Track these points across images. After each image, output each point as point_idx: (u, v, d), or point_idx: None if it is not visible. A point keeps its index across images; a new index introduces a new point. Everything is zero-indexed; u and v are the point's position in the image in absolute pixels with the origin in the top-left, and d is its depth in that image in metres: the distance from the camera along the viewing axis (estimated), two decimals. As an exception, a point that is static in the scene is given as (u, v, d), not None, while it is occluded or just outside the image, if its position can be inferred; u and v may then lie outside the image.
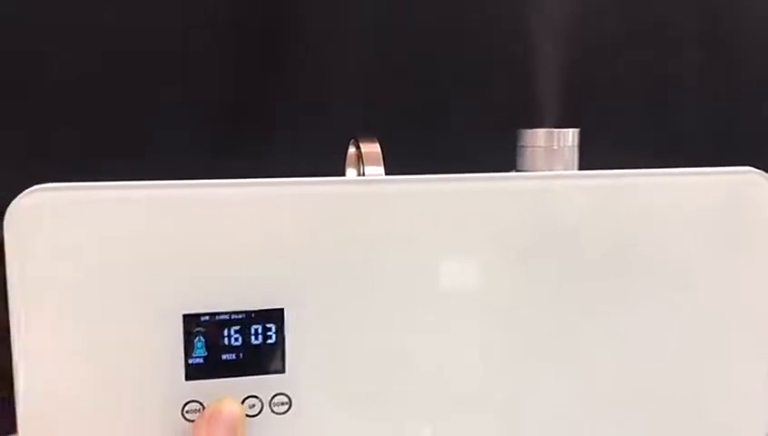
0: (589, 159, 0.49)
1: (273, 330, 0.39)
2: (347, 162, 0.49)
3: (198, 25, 0.57)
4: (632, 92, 0.62)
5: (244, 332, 0.39)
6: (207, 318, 0.38)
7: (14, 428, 0.37)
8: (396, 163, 0.44)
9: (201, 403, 0.38)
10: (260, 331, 0.39)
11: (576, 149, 0.49)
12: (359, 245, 0.40)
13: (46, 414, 0.37)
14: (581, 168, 0.49)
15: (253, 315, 0.39)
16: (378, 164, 0.45)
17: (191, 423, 0.38)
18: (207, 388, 0.38)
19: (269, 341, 0.39)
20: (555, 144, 0.49)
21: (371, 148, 0.45)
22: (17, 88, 0.54)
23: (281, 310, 0.39)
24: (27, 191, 0.36)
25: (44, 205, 0.36)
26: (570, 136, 0.49)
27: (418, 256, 0.40)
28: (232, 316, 0.38)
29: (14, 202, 0.35)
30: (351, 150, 0.49)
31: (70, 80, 0.55)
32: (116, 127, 0.56)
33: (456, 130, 0.58)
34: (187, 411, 0.38)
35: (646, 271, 0.43)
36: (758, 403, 0.44)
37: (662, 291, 0.43)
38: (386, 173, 0.45)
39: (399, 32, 0.58)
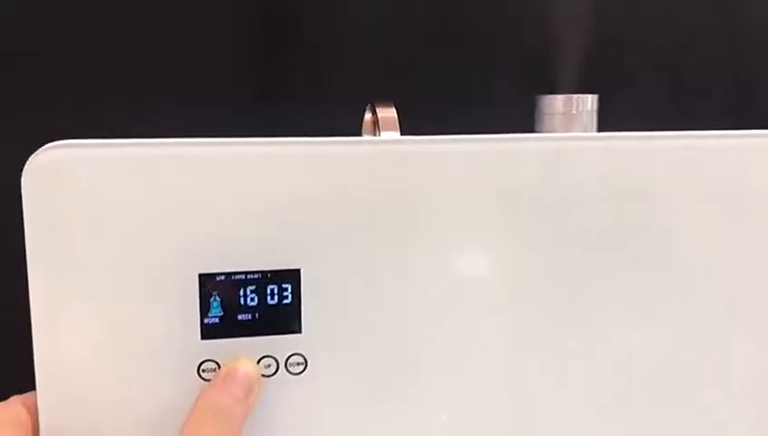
0: (609, 126, 0.48)
1: (289, 290, 0.39)
2: (363, 128, 0.49)
3: (198, 24, 0.57)
4: (653, 57, 0.62)
5: (260, 292, 0.38)
6: (223, 278, 0.38)
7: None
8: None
9: (216, 363, 0.38)
10: (276, 291, 0.39)
11: (594, 114, 0.48)
12: (377, 207, 0.39)
13: (64, 372, 0.37)
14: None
15: (269, 275, 0.38)
16: (394, 130, 0.45)
17: (206, 382, 0.38)
18: (223, 347, 0.38)
19: (285, 302, 0.39)
20: (573, 110, 0.48)
21: (388, 113, 0.45)
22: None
23: (298, 270, 0.39)
24: (44, 147, 0.36)
25: (60, 161, 0.36)
26: (589, 102, 0.48)
27: (435, 218, 0.40)
28: (248, 276, 0.38)
29: (30, 157, 0.35)
30: (368, 116, 0.48)
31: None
32: (121, 123, 0.55)
33: (473, 100, 0.58)
34: (203, 370, 0.38)
35: (660, 237, 0.42)
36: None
37: (675, 256, 0.42)
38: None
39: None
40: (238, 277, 0.38)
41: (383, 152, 0.40)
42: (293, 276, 0.39)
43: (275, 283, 0.39)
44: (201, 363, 0.38)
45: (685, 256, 0.43)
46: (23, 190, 0.35)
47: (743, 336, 0.44)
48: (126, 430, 0.38)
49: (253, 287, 0.38)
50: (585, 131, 0.48)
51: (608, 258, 0.42)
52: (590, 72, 0.54)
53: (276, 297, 0.39)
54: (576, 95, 0.48)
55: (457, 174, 0.40)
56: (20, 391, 0.38)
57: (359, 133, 0.48)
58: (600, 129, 0.48)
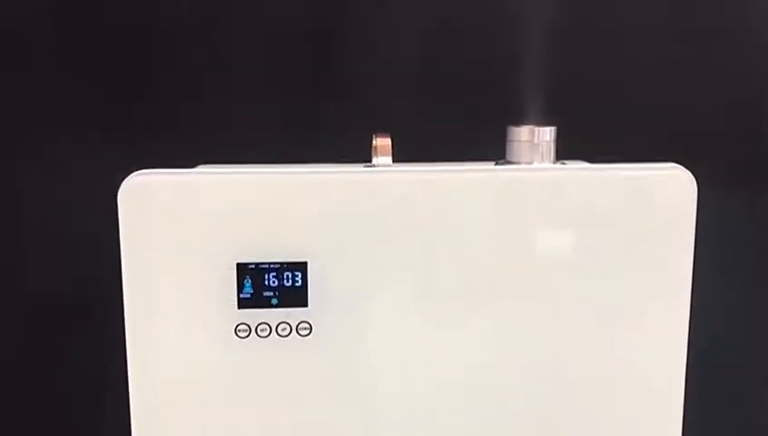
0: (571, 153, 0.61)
1: (300, 276, 0.54)
2: (372, 151, 0.63)
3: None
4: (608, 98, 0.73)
5: (279, 277, 0.54)
6: (253, 266, 0.54)
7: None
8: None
9: (248, 325, 0.54)
10: (290, 276, 0.54)
11: (552, 144, 0.60)
12: (364, 220, 0.54)
13: (149, 327, 0.54)
14: (561, 159, 0.61)
15: (285, 265, 0.54)
16: (387, 155, 0.59)
17: (240, 339, 0.54)
18: (252, 315, 0.54)
19: (296, 284, 0.54)
20: (535, 139, 0.60)
21: (383, 142, 0.59)
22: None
23: (305, 263, 0.54)
24: (134, 174, 0.53)
25: (145, 184, 0.53)
26: (548, 133, 0.60)
27: (410, 227, 0.54)
28: (271, 265, 0.54)
29: (124, 181, 0.52)
30: (374, 142, 0.62)
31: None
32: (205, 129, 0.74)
33: (462, 125, 0.72)
34: (238, 331, 0.54)
35: (576, 255, 0.55)
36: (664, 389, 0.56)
37: (578, 276, 0.55)
38: (398, 160, 0.59)
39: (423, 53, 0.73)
40: (263, 266, 0.54)
41: (373, 178, 0.54)
42: (302, 267, 0.54)
43: (289, 271, 0.54)
44: (237, 326, 0.54)
45: (595, 266, 0.55)
46: (119, 205, 0.52)
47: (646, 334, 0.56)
48: (183, 369, 0.55)
49: (274, 273, 0.54)
50: (543, 157, 0.60)
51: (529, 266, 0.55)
52: (553, 107, 0.66)
53: (290, 281, 0.54)
54: (537, 127, 0.60)
55: (430, 193, 0.54)
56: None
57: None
58: (559, 156, 0.61)
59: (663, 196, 0.53)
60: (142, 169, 0.53)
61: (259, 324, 0.54)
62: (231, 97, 0.75)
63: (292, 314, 0.55)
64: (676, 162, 0.54)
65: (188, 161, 0.59)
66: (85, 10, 0.73)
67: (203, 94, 0.75)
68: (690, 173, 0.53)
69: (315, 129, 0.75)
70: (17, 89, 0.73)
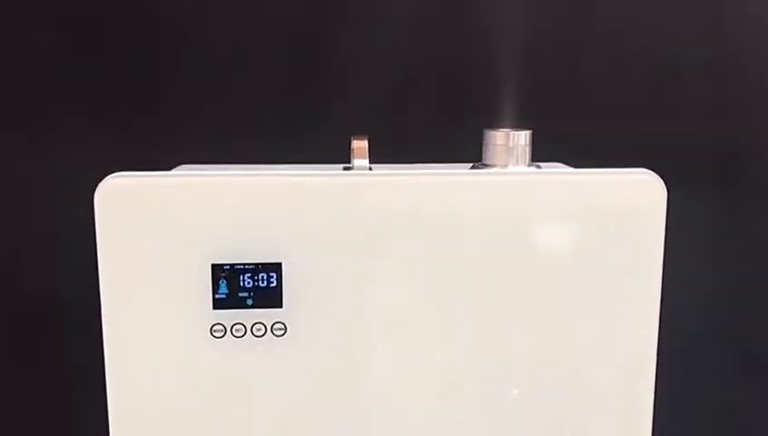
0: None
1: (274, 277, 0.55)
2: (350, 153, 0.64)
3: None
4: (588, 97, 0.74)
5: (254, 278, 0.55)
6: (228, 267, 0.54)
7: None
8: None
9: (223, 325, 0.55)
10: (264, 277, 0.55)
11: (528, 148, 0.61)
12: (339, 221, 0.54)
13: (124, 324, 0.55)
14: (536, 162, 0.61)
15: (260, 266, 0.55)
16: (364, 157, 0.60)
17: (216, 339, 0.55)
18: (228, 315, 0.55)
19: (271, 285, 0.55)
20: (510, 143, 0.61)
21: (360, 144, 0.60)
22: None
23: (280, 263, 0.55)
24: (109, 176, 0.53)
25: (120, 186, 0.53)
26: (523, 137, 0.61)
27: (385, 229, 0.55)
28: (246, 266, 0.54)
29: (100, 184, 0.53)
30: (353, 144, 0.63)
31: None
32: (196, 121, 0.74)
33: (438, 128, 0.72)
34: (214, 331, 0.55)
35: (548, 257, 0.55)
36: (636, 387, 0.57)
37: (551, 278, 0.55)
38: (375, 162, 0.60)
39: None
40: (238, 267, 0.54)
41: (347, 181, 0.55)
42: (277, 268, 0.55)
43: (264, 272, 0.55)
44: (213, 326, 0.55)
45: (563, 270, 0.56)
46: (95, 204, 0.53)
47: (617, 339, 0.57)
48: (159, 369, 0.55)
49: (249, 274, 0.55)
50: (518, 161, 0.61)
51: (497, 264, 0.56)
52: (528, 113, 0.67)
53: (265, 281, 0.55)
54: (513, 131, 0.61)
55: (402, 195, 0.55)
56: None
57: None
58: (534, 159, 0.61)
59: (633, 201, 0.54)
60: (130, 165, 0.54)
61: (234, 325, 0.55)
62: (213, 98, 0.75)
63: (267, 315, 0.55)
64: (650, 165, 0.55)
65: (172, 158, 0.60)
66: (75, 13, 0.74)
67: (187, 94, 0.75)
68: (660, 178, 0.54)
69: (296, 131, 0.75)
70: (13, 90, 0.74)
